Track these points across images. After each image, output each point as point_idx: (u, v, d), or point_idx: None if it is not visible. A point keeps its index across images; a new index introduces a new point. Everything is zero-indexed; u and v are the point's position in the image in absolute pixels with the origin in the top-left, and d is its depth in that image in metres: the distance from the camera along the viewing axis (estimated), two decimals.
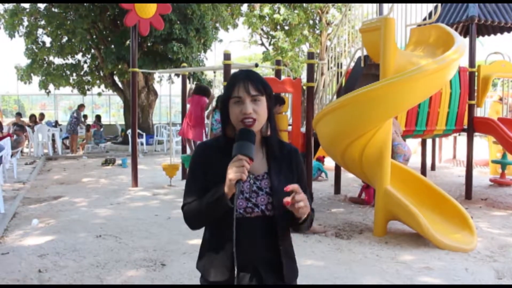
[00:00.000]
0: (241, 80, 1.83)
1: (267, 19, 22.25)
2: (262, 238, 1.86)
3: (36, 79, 17.56)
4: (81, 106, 17.18)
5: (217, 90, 19.10)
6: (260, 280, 1.85)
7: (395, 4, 6.75)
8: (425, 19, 7.58)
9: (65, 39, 16.92)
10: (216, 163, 1.86)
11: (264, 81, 1.87)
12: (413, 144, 14.85)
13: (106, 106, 26.41)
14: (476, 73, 8.63)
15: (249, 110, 1.79)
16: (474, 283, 4.50)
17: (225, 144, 1.87)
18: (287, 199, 1.72)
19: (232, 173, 1.68)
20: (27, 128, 15.24)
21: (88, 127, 17.11)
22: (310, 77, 7.54)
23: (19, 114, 17.48)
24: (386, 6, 7.34)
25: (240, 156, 1.70)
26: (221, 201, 1.74)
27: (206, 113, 9.52)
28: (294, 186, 1.73)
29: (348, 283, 4.45)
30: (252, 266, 1.85)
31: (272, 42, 23.11)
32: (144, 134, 16.84)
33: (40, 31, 17.19)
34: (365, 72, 7.19)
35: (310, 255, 5.10)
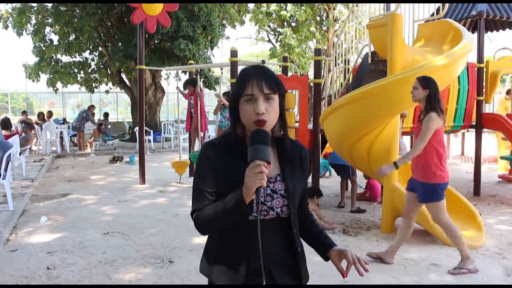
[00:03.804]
0: (254, 77, 1.73)
1: (274, 16, 22.20)
2: (277, 239, 1.82)
3: (44, 77, 17.64)
4: (91, 107, 17.26)
5: (224, 87, 19.15)
6: (273, 282, 1.79)
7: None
8: (433, 14, 7.54)
9: (72, 37, 16.95)
10: (226, 162, 1.78)
11: (277, 79, 1.77)
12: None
13: (114, 103, 26.46)
14: (485, 69, 8.57)
15: (262, 109, 1.69)
16: (482, 280, 4.48)
17: (234, 143, 1.79)
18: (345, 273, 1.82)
19: (251, 181, 1.58)
20: (35, 126, 15.31)
21: (99, 125, 17.15)
22: (317, 74, 7.52)
23: (25, 112, 17.59)
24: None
25: (258, 161, 1.59)
26: (239, 208, 1.65)
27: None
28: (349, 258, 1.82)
29: (355, 280, 4.44)
30: (267, 268, 1.77)
31: (279, 39, 23.03)
32: (151, 131, 16.86)
33: (47, 29, 17.24)
34: (373, 68, 7.16)
35: (314, 252, 5.09)
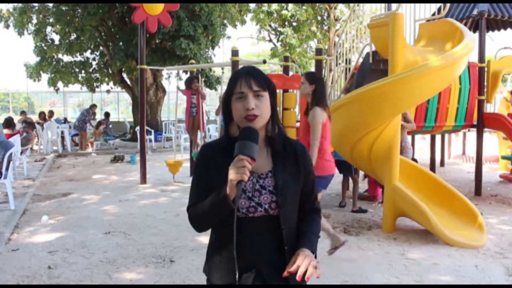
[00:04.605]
0: (243, 75, 1.79)
1: (275, 15, 22.22)
2: (267, 237, 1.82)
3: (45, 77, 17.66)
4: (93, 106, 17.26)
5: (225, 87, 19.23)
6: (263, 281, 1.80)
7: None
8: (434, 14, 7.53)
9: (73, 36, 16.98)
10: (219, 164, 1.81)
11: (266, 77, 1.82)
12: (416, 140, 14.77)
13: (115, 103, 26.47)
14: (486, 69, 8.56)
15: (252, 105, 1.74)
16: (483, 280, 4.48)
17: (228, 144, 1.81)
18: (286, 273, 1.71)
19: (233, 174, 1.64)
20: (37, 126, 15.33)
21: (98, 124, 17.17)
22: (319, 73, 7.52)
23: (23, 112, 17.62)
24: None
25: (242, 156, 1.64)
26: (222, 203, 1.69)
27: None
28: (294, 267, 1.70)
29: (356, 280, 4.44)
30: (256, 267, 1.80)
31: (280, 39, 23.06)
32: (152, 131, 16.86)
33: (49, 28, 17.27)
34: (374, 67, 7.15)
35: (318, 252, 5.08)
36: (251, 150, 1.66)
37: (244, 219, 1.78)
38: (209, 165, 1.86)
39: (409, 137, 8.29)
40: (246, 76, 1.78)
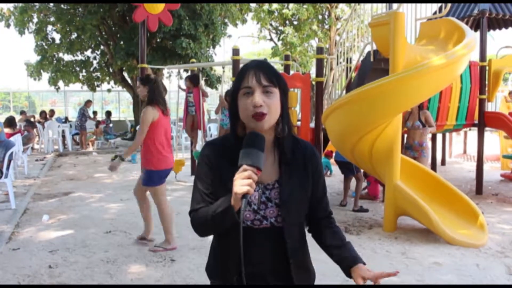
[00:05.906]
0: (252, 69, 1.64)
1: (276, 14, 22.18)
2: (272, 249, 1.72)
3: (46, 76, 17.65)
4: (88, 102, 17.22)
5: (226, 86, 19.19)
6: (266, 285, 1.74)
7: None
8: (435, 13, 7.52)
9: (74, 35, 16.99)
10: (224, 165, 1.69)
11: (277, 73, 1.68)
12: None
13: (116, 102, 26.50)
14: (487, 67, 8.55)
15: (260, 101, 1.58)
16: (485, 279, 4.47)
17: (233, 144, 1.68)
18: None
19: (238, 186, 1.48)
20: (37, 125, 15.32)
21: (98, 123, 17.17)
22: (319, 72, 7.51)
23: (23, 113, 17.62)
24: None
25: (247, 167, 1.50)
26: (227, 214, 1.57)
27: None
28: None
29: None
30: (261, 278, 1.72)
31: (281, 37, 23.00)
32: None
33: (49, 27, 17.28)
34: (375, 66, 7.15)
35: (319, 251, 5.08)
36: (257, 159, 1.52)
37: (249, 229, 1.68)
38: (212, 166, 1.73)
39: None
40: (255, 69, 1.64)
